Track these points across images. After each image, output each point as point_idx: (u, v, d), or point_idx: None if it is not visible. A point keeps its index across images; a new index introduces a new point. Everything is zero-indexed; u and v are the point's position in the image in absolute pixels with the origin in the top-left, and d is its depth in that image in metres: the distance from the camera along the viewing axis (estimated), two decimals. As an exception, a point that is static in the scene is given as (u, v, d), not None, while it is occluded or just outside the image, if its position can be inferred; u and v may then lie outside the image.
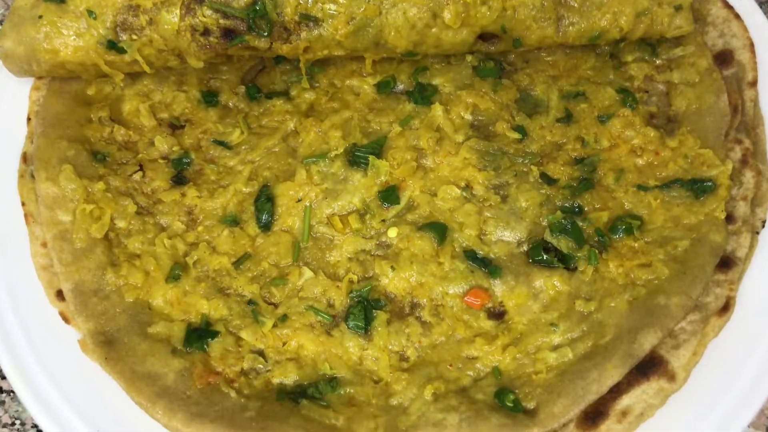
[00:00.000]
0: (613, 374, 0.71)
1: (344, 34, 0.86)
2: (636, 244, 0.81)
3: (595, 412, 0.70)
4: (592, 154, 0.88)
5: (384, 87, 0.91)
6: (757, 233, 0.80)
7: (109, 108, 0.89)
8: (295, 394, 0.74)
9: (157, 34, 0.84)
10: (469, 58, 0.93)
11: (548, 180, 0.86)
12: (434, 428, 0.70)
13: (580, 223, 0.82)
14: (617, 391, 0.71)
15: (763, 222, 0.81)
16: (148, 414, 0.71)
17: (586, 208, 0.84)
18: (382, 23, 0.85)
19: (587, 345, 0.74)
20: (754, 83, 0.88)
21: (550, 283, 0.79)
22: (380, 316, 0.78)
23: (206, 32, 0.85)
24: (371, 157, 0.85)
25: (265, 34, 0.85)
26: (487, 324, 0.78)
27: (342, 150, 0.86)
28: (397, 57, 0.91)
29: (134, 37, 0.84)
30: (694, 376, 0.72)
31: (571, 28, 0.89)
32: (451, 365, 0.76)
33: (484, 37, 0.90)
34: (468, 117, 0.90)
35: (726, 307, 0.74)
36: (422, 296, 0.80)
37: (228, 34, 0.85)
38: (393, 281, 0.80)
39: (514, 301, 0.79)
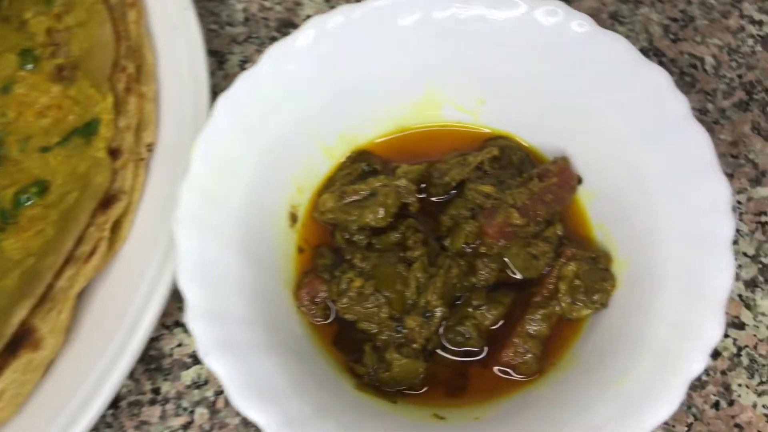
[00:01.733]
0: (-20, 366, 0.67)
1: None
2: (35, 212, 0.77)
3: (-28, 413, 0.66)
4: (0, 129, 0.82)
5: None
6: (143, 159, 0.76)
7: None
8: None
9: None
10: None
11: None
12: None
13: (-10, 210, 0.77)
14: (2, 381, 0.66)
15: (149, 146, 0.77)
16: None
17: (-7, 190, 0.79)
18: None
19: (-17, 342, 0.70)
20: (134, 3, 0.83)
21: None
22: None
23: None
24: None
25: None
26: None
27: None
28: None
29: None
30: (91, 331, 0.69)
31: None
32: None
33: None
34: None
35: (93, 251, 0.71)
36: None
37: None
38: None
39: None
